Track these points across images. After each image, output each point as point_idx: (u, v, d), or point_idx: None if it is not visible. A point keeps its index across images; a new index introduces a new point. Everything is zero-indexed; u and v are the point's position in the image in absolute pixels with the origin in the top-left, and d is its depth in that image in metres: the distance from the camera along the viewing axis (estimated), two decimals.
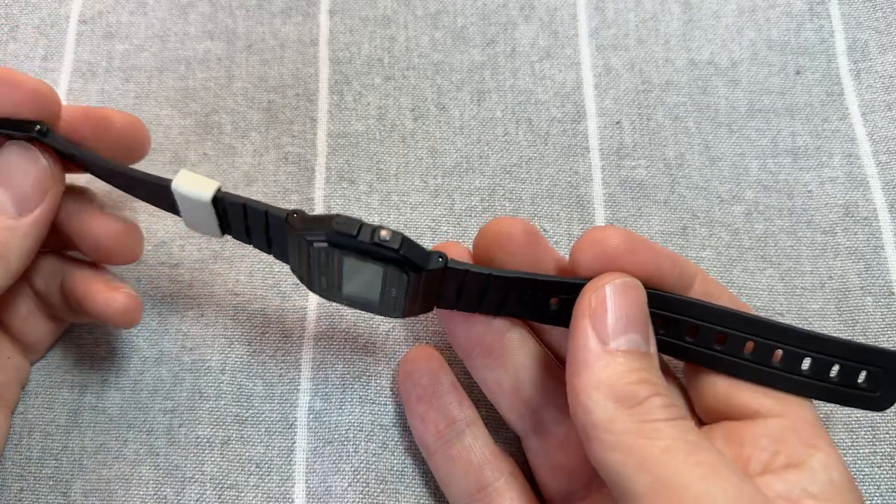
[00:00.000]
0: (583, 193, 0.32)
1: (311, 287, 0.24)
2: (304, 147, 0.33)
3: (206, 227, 0.25)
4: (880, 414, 0.28)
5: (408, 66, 0.34)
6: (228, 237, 0.25)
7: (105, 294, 0.25)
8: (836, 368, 0.23)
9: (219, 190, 0.23)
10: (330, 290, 0.24)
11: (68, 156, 0.25)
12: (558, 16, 0.35)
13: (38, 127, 0.24)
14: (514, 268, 0.24)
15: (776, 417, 0.23)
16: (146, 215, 0.31)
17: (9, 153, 0.24)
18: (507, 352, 0.25)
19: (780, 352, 0.23)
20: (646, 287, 0.23)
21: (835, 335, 0.24)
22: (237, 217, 0.24)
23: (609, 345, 0.21)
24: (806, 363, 0.23)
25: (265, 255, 0.31)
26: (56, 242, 0.27)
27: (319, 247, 0.22)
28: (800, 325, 0.29)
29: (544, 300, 0.24)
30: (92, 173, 0.26)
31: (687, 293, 0.24)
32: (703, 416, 0.24)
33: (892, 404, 0.24)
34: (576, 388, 0.21)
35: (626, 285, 0.22)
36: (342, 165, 0.32)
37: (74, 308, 0.27)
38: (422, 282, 0.22)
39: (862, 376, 0.23)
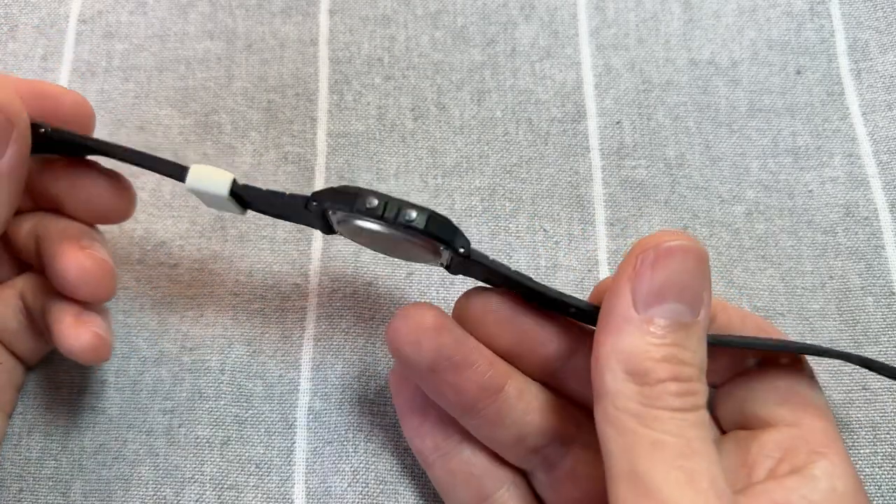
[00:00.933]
0: (583, 193, 0.32)
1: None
2: (303, 147, 0.33)
3: (227, 208, 0.24)
4: (881, 414, 0.28)
5: (408, 65, 0.34)
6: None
7: (71, 329, 0.24)
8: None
9: (234, 182, 0.23)
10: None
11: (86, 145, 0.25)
12: (558, 15, 0.35)
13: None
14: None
15: (788, 426, 0.22)
16: (146, 215, 0.31)
17: None
18: (505, 410, 0.23)
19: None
20: None
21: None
22: (259, 200, 0.24)
23: (643, 313, 0.20)
24: None
25: (265, 255, 0.31)
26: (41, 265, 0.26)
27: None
28: (800, 328, 0.29)
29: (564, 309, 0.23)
30: (110, 153, 0.25)
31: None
32: (720, 423, 0.24)
33: None
34: (597, 352, 0.20)
35: (675, 248, 0.20)
36: (342, 165, 0.32)
37: None
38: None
39: None
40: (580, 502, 0.24)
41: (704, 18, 0.35)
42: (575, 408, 0.24)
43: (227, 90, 0.34)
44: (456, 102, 0.33)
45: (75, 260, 0.24)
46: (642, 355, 0.19)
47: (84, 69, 0.34)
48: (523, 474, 0.25)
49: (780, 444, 0.22)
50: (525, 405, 0.23)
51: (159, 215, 0.31)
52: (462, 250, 0.21)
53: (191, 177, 0.23)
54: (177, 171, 0.24)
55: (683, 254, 0.20)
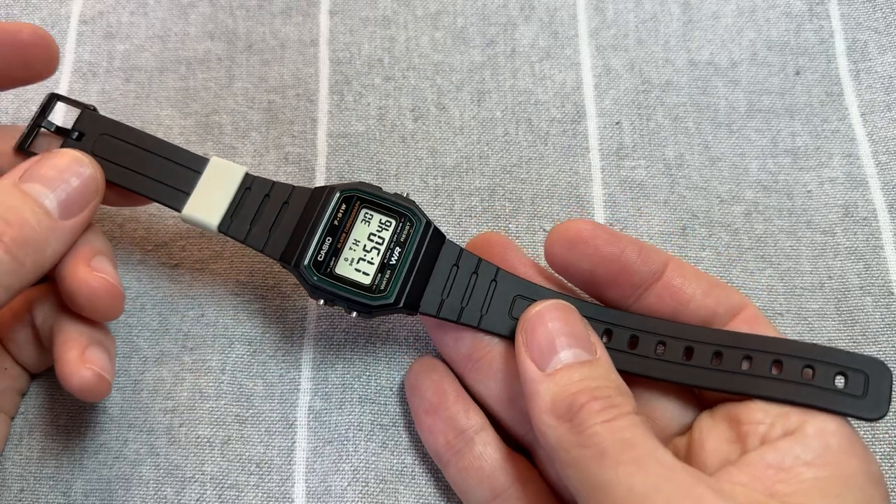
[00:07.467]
0: (583, 193, 0.32)
1: (304, 254, 0.25)
2: (304, 147, 0.33)
3: (212, 207, 0.26)
4: None
5: (408, 66, 0.34)
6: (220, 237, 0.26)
7: (72, 366, 0.24)
8: (808, 372, 0.23)
9: (247, 173, 0.27)
10: (325, 262, 0.25)
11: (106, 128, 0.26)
12: (558, 16, 0.35)
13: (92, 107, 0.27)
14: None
15: None
16: (147, 216, 0.31)
17: (62, 158, 0.24)
18: (498, 364, 0.26)
19: (746, 362, 0.23)
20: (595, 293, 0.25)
21: (798, 339, 0.24)
22: (256, 196, 0.26)
23: (546, 369, 0.22)
24: (774, 370, 0.23)
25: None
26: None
27: (344, 195, 0.25)
28: (799, 328, 0.29)
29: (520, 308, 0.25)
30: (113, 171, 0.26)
31: (657, 282, 0.25)
32: (707, 398, 0.25)
33: (885, 411, 0.22)
34: (532, 419, 0.22)
35: (548, 308, 0.23)
36: (342, 166, 0.32)
37: None
38: (426, 242, 0.25)
39: (840, 381, 0.22)
40: None
41: (704, 19, 0.35)
42: None
43: (228, 91, 0.34)
44: (456, 103, 0.33)
45: (87, 278, 0.24)
46: (560, 396, 0.22)
47: (85, 70, 0.34)
48: (535, 468, 0.26)
49: (767, 410, 0.22)
50: (515, 364, 0.25)
51: (161, 216, 0.31)
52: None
53: (214, 158, 0.26)
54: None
55: (555, 309, 0.24)
